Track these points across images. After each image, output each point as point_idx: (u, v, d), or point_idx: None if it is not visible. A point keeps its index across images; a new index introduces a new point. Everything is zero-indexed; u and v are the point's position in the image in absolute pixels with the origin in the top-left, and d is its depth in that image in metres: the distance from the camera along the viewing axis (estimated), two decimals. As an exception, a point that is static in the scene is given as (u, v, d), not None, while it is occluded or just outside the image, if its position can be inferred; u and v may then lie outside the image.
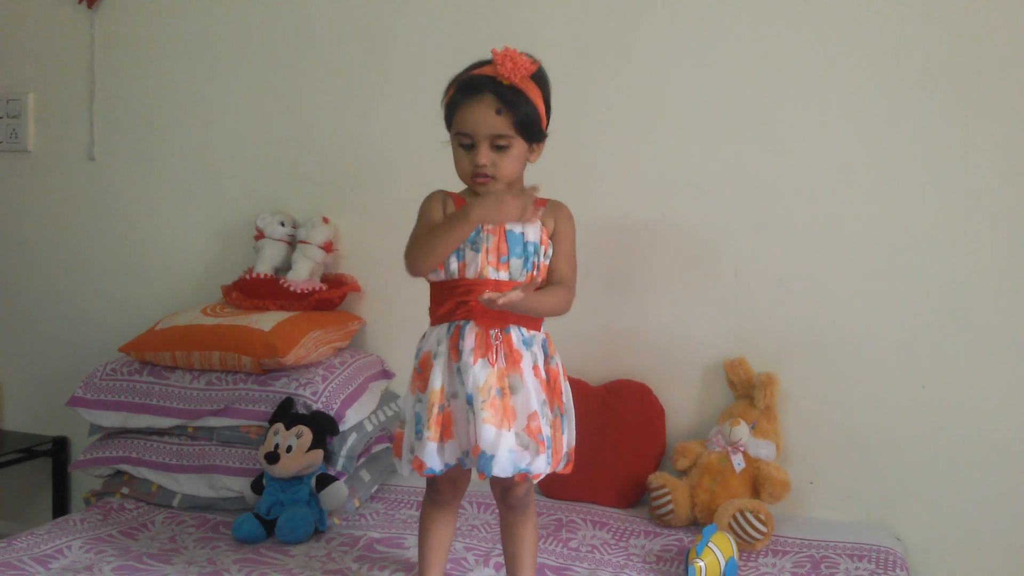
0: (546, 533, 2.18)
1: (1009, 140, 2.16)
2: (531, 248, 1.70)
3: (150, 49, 2.84)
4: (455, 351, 1.67)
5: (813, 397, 2.31)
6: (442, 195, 1.76)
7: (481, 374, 1.62)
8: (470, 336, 1.66)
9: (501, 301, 1.57)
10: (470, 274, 1.68)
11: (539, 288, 1.70)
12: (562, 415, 1.72)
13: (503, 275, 1.68)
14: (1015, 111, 2.15)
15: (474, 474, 1.69)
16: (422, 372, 1.70)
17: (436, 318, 1.73)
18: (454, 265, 1.69)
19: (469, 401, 1.62)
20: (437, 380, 1.66)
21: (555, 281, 1.75)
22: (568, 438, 1.74)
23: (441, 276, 1.71)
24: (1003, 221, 2.17)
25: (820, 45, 2.27)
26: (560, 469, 1.73)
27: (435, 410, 1.65)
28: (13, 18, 2.97)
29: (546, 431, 1.65)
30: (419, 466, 1.65)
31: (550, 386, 1.71)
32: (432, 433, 1.64)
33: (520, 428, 1.64)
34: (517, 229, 1.69)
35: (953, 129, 2.19)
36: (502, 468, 1.60)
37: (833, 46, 2.26)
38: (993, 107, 2.16)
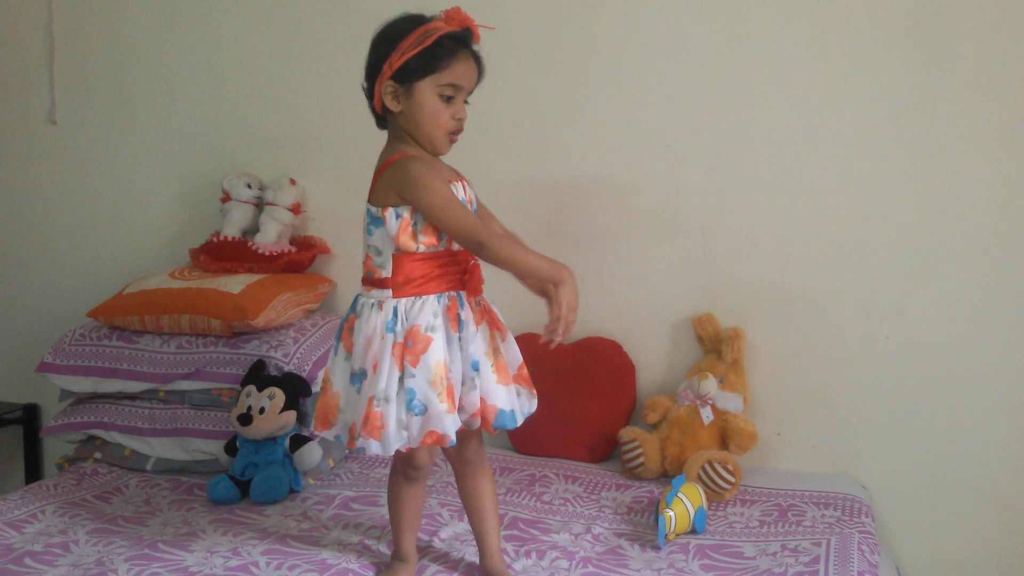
0: (519, 488, 2.21)
1: (971, 95, 2.18)
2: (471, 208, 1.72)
3: (111, 8, 2.78)
4: (455, 322, 1.67)
5: (780, 351, 2.35)
6: (428, 162, 1.68)
7: (484, 340, 1.70)
8: (467, 306, 1.69)
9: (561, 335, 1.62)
10: (456, 246, 1.69)
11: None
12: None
13: None
14: (978, 66, 2.17)
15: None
16: (413, 346, 1.63)
17: (417, 289, 1.66)
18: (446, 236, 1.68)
19: (475, 367, 1.67)
20: (440, 353, 1.63)
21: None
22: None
23: (437, 247, 1.67)
24: (965, 175, 2.20)
25: (784, 2, 2.27)
26: None
27: (446, 382, 1.63)
28: (-34, -23, 2.90)
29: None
30: (438, 440, 1.62)
31: (492, 319, 1.74)
32: (449, 405, 1.63)
33: (513, 380, 1.73)
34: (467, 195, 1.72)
35: (916, 86, 2.21)
36: (514, 421, 1.71)
37: (797, 3, 2.26)
38: (956, 62, 2.18)
